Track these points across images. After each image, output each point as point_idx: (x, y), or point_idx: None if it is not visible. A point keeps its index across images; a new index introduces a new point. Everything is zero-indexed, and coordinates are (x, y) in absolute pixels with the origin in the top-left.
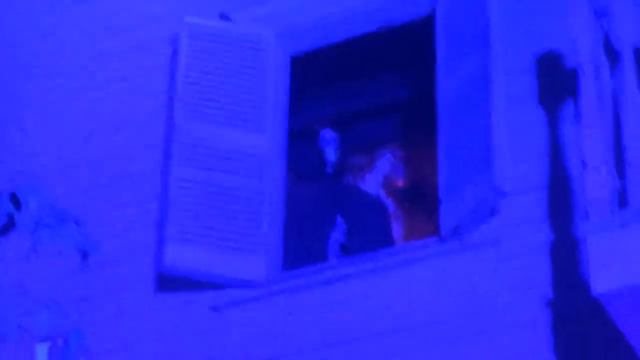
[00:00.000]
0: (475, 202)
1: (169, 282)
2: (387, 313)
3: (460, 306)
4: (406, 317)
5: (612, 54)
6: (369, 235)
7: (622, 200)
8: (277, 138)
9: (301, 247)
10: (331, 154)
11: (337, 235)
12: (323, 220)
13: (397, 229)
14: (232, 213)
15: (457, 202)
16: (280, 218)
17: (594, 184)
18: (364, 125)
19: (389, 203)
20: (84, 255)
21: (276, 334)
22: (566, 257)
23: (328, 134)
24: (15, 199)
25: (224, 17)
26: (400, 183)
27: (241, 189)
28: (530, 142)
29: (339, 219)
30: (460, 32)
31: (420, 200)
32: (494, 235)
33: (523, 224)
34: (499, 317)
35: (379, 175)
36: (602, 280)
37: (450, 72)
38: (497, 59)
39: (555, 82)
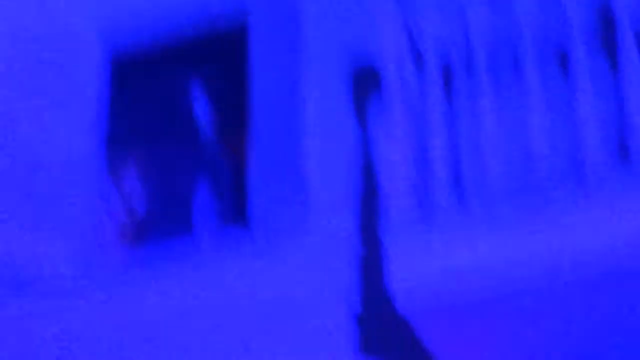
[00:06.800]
0: (285, 195)
1: None
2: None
3: (266, 305)
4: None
5: (419, 57)
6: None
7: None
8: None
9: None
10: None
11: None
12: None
13: None
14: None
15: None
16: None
17: (397, 188)
18: None
19: None
20: None
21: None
22: (373, 268)
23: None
24: None
25: None
26: None
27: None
28: (340, 148)
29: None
30: (272, 41)
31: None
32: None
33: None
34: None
35: None
36: (403, 289)
37: (264, 79)
38: (308, 66)
39: (366, 86)
